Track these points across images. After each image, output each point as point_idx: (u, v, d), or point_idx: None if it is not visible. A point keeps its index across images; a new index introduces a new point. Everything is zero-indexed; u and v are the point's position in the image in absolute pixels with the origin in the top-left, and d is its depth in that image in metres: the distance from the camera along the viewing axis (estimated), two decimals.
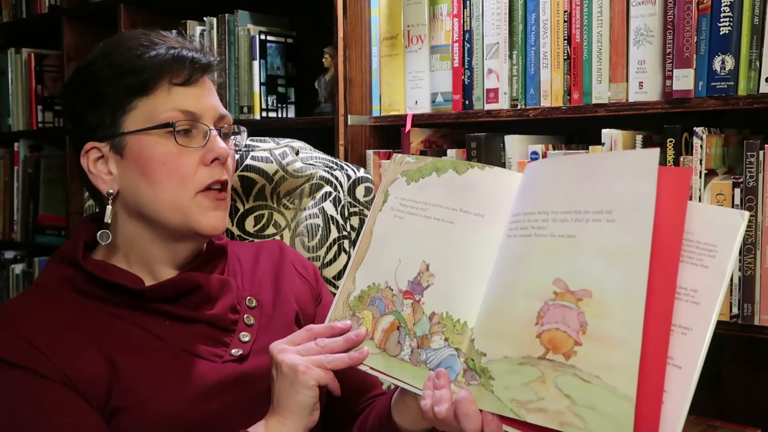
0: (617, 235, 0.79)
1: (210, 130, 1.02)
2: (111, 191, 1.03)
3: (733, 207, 1.34)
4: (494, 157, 1.64)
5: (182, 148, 1.00)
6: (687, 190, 0.80)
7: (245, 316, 1.08)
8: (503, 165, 1.63)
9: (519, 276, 0.86)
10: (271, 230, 1.35)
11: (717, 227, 0.80)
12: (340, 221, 1.39)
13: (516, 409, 0.81)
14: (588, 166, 0.86)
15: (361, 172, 1.44)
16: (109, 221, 1.03)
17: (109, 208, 1.03)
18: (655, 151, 0.80)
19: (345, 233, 1.39)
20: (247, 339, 1.06)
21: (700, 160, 1.36)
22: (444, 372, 0.88)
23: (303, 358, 0.93)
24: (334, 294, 1.06)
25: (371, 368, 0.94)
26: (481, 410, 0.84)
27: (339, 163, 1.43)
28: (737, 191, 1.35)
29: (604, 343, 0.77)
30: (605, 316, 0.78)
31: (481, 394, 0.84)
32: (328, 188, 1.39)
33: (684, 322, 0.78)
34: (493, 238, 0.91)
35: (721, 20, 1.35)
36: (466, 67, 1.72)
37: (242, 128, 1.12)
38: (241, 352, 1.05)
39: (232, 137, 1.10)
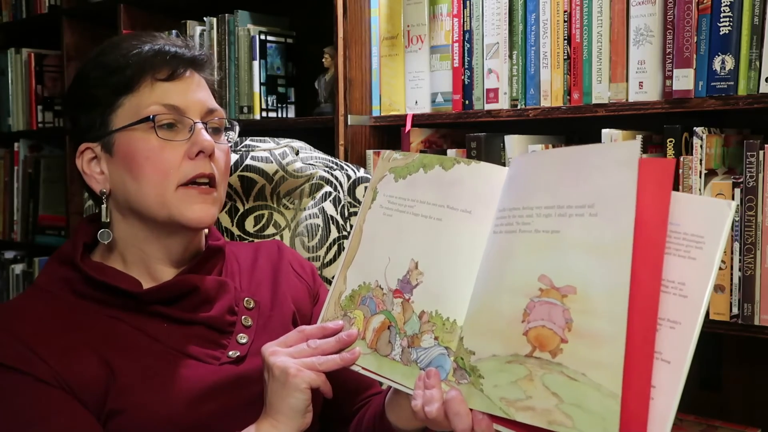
0: (600, 229, 0.79)
1: (195, 123, 1.02)
2: (104, 190, 1.03)
3: None
4: (494, 157, 1.64)
5: (165, 142, 1.00)
6: (670, 182, 0.79)
7: (243, 317, 1.08)
8: (503, 165, 1.63)
9: (505, 273, 0.85)
10: (271, 230, 1.35)
11: (704, 218, 0.78)
12: (340, 221, 1.39)
13: (505, 408, 0.80)
14: (571, 159, 0.85)
15: (361, 172, 1.44)
16: (108, 220, 1.04)
17: (103, 207, 1.04)
18: (636, 143, 0.79)
19: (345, 233, 1.39)
20: (244, 341, 1.06)
21: (700, 160, 1.36)
22: (434, 371, 0.87)
23: (294, 361, 0.93)
24: None
25: (363, 368, 0.94)
26: (471, 409, 0.84)
27: (339, 163, 1.43)
28: (737, 191, 1.34)
29: (589, 340, 0.76)
30: (590, 313, 0.77)
31: (471, 393, 0.84)
32: (328, 188, 1.39)
33: (672, 315, 0.77)
34: (481, 235, 0.91)
35: (721, 20, 1.35)
36: (466, 67, 1.72)
37: (234, 123, 1.12)
38: (238, 353, 1.04)
39: (225, 133, 1.09)
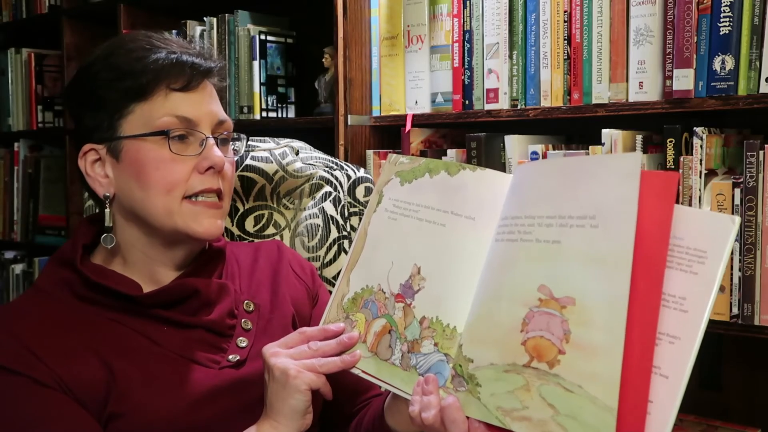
0: (600, 240, 0.78)
1: (207, 138, 1.01)
2: (107, 194, 1.02)
3: (733, 207, 1.34)
4: (494, 157, 1.64)
5: (176, 156, 0.99)
6: (673, 195, 0.79)
7: (243, 320, 1.08)
8: (503, 165, 1.63)
9: (505, 282, 0.85)
10: (271, 230, 1.35)
11: (707, 233, 0.78)
12: (340, 221, 1.39)
13: (501, 417, 0.80)
14: (573, 170, 0.85)
15: (361, 172, 1.44)
16: (111, 224, 1.03)
17: (107, 211, 1.03)
18: (637, 155, 0.79)
19: (345, 233, 1.39)
20: (244, 344, 1.06)
21: (700, 160, 1.36)
22: (433, 378, 0.87)
23: (295, 362, 0.93)
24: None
25: (363, 372, 0.94)
26: (468, 417, 0.84)
27: (339, 163, 1.43)
28: (737, 191, 1.34)
29: (586, 352, 0.76)
30: (588, 324, 0.77)
31: (468, 401, 0.84)
32: (328, 188, 1.39)
33: (672, 330, 0.76)
34: (484, 242, 0.90)
35: (721, 20, 1.35)
36: (466, 67, 1.72)
37: (242, 135, 1.11)
38: (238, 357, 1.04)
39: (231, 143, 1.09)
